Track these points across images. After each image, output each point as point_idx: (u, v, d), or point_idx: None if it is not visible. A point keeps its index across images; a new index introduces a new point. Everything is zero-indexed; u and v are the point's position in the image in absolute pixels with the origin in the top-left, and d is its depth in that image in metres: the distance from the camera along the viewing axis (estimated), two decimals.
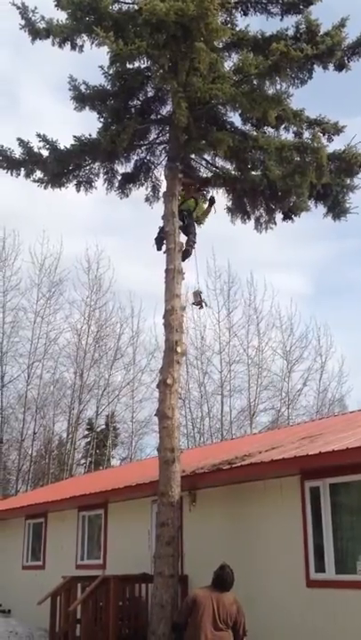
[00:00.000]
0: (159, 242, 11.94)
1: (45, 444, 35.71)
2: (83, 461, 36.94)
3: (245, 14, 12.30)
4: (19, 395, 33.92)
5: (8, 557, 18.92)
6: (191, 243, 12.05)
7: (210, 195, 12.86)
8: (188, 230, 12.02)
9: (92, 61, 14.40)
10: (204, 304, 12.62)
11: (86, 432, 37.04)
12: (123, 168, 12.87)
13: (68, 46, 11.69)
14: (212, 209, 12.79)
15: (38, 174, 12.31)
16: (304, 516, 9.52)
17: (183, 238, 11.92)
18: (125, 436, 37.36)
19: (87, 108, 11.67)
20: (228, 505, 11.09)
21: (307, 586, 9.30)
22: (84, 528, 15.53)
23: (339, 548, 9.04)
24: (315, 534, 9.35)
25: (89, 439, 36.77)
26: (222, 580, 8.10)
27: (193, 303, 12.40)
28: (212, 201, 12.77)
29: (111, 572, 12.96)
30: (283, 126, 12.01)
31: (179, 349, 11.00)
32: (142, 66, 11.37)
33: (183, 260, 11.78)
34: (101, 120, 11.78)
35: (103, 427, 36.82)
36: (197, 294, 12.31)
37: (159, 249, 11.94)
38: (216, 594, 7.97)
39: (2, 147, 12.05)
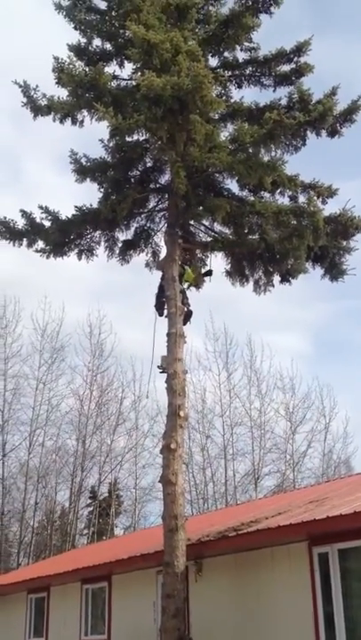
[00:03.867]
0: (159, 307, 12.07)
1: (47, 514, 34.98)
2: (85, 531, 36.11)
3: (240, 87, 12.86)
4: (20, 464, 33.43)
5: (9, 634, 18.29)
6: (187, 306, 12.15)
7: (208, 268, 12.98)
8: (183, 295, 12.12)
9: (92, 134, 14.87)
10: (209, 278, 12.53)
11: (89, 501, 36.33)
12: (123, 235, 13.19)
13: (68, 121, 12.12)
14: (208, 279, 12.81)
15: (40, 244, 12.55)
16: (313, 584, 9.25)
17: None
18: (129, 504, 36.62)
19: (88, 179, 11.99)
20: (236, 574, 10.80)
21: None
22: (87, 602, 15.09)
23: (349, 616, 8.74)
24: (324, 603, 9.06)
25: (92, 508, 36.02)
26: None
27: (158, 366, 11.65)
28: (209, 273, 12.83)
29: None
30: (278, 191, 12.31)
31: (181, 414, 10.96)
32: (141, 138, 11.78)
33: (185, 323, 11.88)
34: (102, 190, 12.13)
35: (106, 495, 36.13)
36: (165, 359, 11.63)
37: (161, 314, 12.08)
38: None
39: (5, 218, 12.33)
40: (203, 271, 12.97)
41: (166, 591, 10.07)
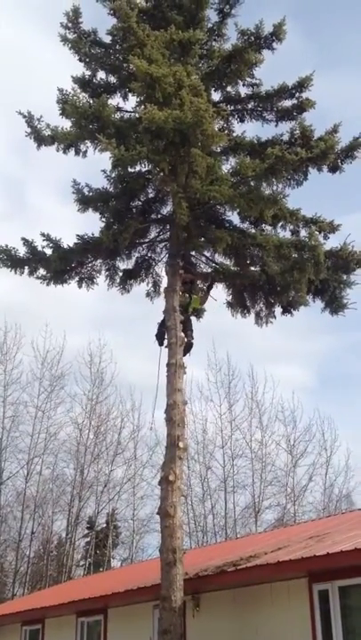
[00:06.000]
0: (160, 337, 12.06)
1: (44, 544, 34.53)
2: (82, 562, 35.59)
3: (242, 121, 13.02)
4: (17, 492, 33.08)
5: None
6: (190, 338, 12.14)
7: (208, 283, 13.00)
8: (186, 326, 12.13)
9: (95, 164, 15.00)
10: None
11: (86, 531, 35.89)
12: (124, 265, 13.23)
13: (72, 152, 12.25)
14: (209, 295, 12.85)
15: (41, 272, 12.57)
16: (313, 621, 9.11)
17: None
18: (126, 535, 36.16)
19: (90, 209, 12.06)
20: (234, 609, 10.62)
21: None
22: (82, 635, 14.83)
23: None
24: None
25: (89, 539, 35.58)
26: None
27: None
28: (209, 287, 12.86)
29: None
30: (280, 224, 12.39)
31: (181, 445, 10.88)
32: (143, 169, 11.87)
33: (185, 354, 11.85)
34: (104, 220, 12.18)
35: (103, 525, 35.72)
36: None
37: (161, 344, 12.06)
38: None
39: (6, 246, 12.37)
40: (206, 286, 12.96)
41: (163, 626, 9.90)
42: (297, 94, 12.34)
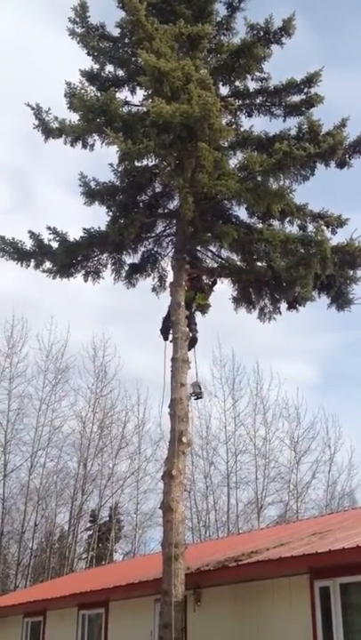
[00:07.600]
0: (165, 332, 12.05)
1: (47, 536, 34.64)
2: (84, 556, 35.70)
3: (250, 116, 12.98)
4: (21, 484, 33.18)
5: None
6: (194, 332, 12.12)
7: (212, 279, 12.99)
8: (189, 320, 12.11)
9: (102, 157, 14.98)
10: (200, 396, 12.53)
11: (89, 524, 35.99)
12: (130, 259, 13.21)
13: (79, 145, 12.23)
14: (212, 290, 12.85)
15: (47, 265, 12.58)
16: (314, 618, 9.09)
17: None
18: (129, 529, 36.25)
19: (97, 202, 12.06)
20: (235, 605, 10.63)
21: None
22: (83, 628, 14.86)
23: None
24: (325, 638, 8.89)
25: (91, 532, 35.68)
26: None
27: (191, 393, 12.19)
28: (214, 282, 12.86)
29: None
30: (287, 219, 12.34)
31: (184, 440, 10.87)
32: (150, 163, 11.82)
33: (190, 348, 11.84)
34: (110, 214, 12.17)
35: (106, 519, 35.80)
36: (196, 385, 12.16)
37: (166, 339, 12.05)
38: None
39: (13, 239, 12.38)
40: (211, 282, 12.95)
41: (164, 620, 9.91)
42: (306, 89, 12.29)
